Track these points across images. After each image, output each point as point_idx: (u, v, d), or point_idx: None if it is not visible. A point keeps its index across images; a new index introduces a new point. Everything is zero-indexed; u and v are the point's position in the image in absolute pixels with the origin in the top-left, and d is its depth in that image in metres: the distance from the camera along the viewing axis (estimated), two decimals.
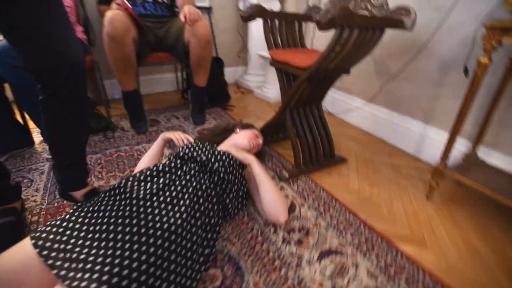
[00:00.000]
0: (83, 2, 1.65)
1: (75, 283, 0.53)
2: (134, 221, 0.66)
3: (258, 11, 1.26)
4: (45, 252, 0.59)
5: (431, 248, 0.87)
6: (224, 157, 0.92)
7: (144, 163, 1.10)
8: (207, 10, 2.06)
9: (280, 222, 0.90)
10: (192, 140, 1.03)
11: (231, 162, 0.93)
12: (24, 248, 0.61)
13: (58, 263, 0.57)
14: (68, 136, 0.86)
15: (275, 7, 2.19)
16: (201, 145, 0.98)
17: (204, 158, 0.90)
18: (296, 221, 0.95)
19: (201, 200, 0.78)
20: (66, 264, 0.57)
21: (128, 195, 0.74)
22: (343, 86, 1.84)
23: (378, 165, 1.33)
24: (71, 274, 0.55)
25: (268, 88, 2.15)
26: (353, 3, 1.19)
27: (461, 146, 1.22)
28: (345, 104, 1.81)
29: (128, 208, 0.69)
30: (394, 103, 1.52)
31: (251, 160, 0.96)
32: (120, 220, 0.66)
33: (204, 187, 0.81)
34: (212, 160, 0.89)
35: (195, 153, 0.92)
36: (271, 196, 0.90)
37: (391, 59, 1.49)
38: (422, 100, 1.37)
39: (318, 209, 1.00)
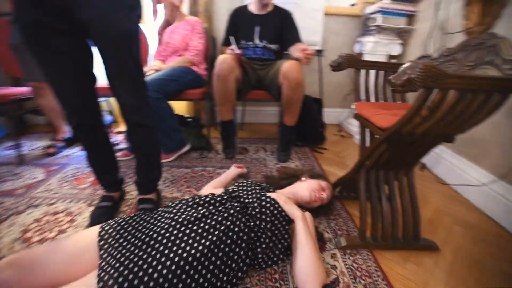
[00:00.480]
0: (215, 44, 2.06)
1: (102, 274, 0.66)
2: (164, 240, 0.75)
3: (349, 61, 1.19)
4: (101, 243, 0.76)
5: None
6: (268, 205, 0.90)
7: (210, 186, 1.23)
8: (318, 52, 2.11)
9: None
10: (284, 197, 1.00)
11: (275, 212, 0.90)
12: (93, 233, 0.79)
13: (104, 255, 0.72)
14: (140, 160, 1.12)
15: (395, 51, 2.00)
16: (252, 187, 1.00)
17: (247, 200, 0.91)
18: None
19: (229, 241, 0.79)
20: (107, 258, 0.70)
21: (172, 215, 0.84)
22: (467, 151, 1.44)
23: (490, 270, 0.94)
24: (105, 267, 0.68)
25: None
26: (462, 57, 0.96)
27: None
28: (465, 175, 1.40)
29: (167, 227, 0.79)
30: None
31: (297, 216, 0.90)
32: (156, 237, 0.76)
33: (237, 229, 0.82)
34: (254, 205, 0.90)
35: (241, 193, 0.95)
36: (305, 263, 0.81)
37: None
38: None
39: None
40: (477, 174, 1.34)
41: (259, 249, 0.86)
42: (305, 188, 1.09)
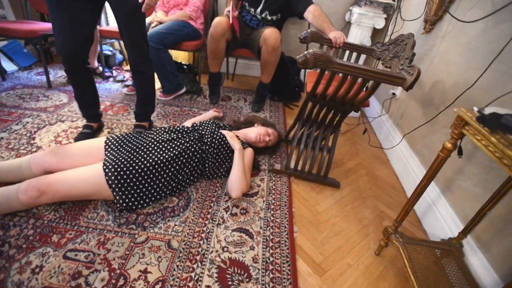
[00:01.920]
0: (216, 3, 2.27)
1: (106, 162, 1.10)
2: (145, 149, 1.17)
3: (312, 37, 1.46)
4: (106, 147, 1.20)
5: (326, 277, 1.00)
6: (217, 137, 1.31)
7: (189, 122, 1.63)
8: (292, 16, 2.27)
9: (232, 196, 1.23)
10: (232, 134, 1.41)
11: (222, 142, 1.31)
12: (101, 140, 1.23)
13: (107, 154, 1.16)
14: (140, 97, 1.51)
15: (379, 24, 2.16)
16: (212, 125, 1.39)
17: (203, 132, 1.32)
18: (246, 203, 1.25)
19: (185, 156, 1.21)
20: (109, 155, 1.15)
21: (153, 135, 1.26)
22: (401, 123, 1.74)
23: (365, 206, 1.36)
24: (108, 159, 1.12)
25: None
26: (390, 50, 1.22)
27: (453, 226, 1.10)
28: (392, 139, 1.74)
29: (148, 142, 1.21)
30: (424, 152, 1.40)
31: (235, 148, 1.30)
32: (141, 147, 1.18)
33: (192, 149, 1.24)
34: (207, 136, 1.30)
35: (201, 128, 1.35)
36: (233, 177, 1.24)
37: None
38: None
39: (269, 205, 1.25)
40: (398, 137, 1.68)
41: (206, 165, 1.29)
42: (254, 131, 1.48)
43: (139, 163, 1.11)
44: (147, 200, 1.14)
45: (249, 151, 1.39)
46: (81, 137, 1.45)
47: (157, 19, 1.94)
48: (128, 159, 1.11)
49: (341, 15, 2.44)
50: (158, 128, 1.32)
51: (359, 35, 2.20)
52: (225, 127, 1.48)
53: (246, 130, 1.52)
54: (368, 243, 1.16)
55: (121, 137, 1.25)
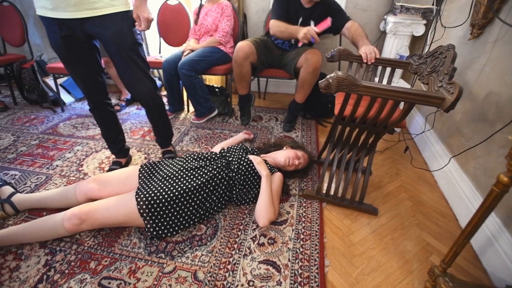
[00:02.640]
0: (246, 20, 2.33)
1: (139, 192, 1.15)
2: (174, 178, 1.21)
3: (340, 54, 1.41)
4: (140, 175, 1.27)
5: None
6: (244, 163, 1.30)
7: (219, 146, 1.66)
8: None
9: (259, 225, 1.20)
10: (260, 159, 1.37)
11: (249, 169, 1.30)
12: (136, 168, 1.31)
13: (141, 182, 1.23)
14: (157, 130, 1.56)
15: (418, 31, 2.00)
16: (240, 151, 1.39)
17: (230, 159, 1.32)
18: (274, 232, 1.20)
19: (213, 183, 1.23)
20: (143, 184, 1.21)
21: (181, 163, 1.30)
22: (449, 141, 1.55)
23: (408, 237, 1.21)
24: (141, 189, 1.18)
25: None
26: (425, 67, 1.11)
27: None
28: (440, 158, 1.55)
29: (177, 170, 1.24)
30: (479, 174, 1.21)
31: (262, 174, 1.28)
32: (171, 175, 1.22)
33: (220, 176, 1.25)
34: (234, 162, 1.30)
35: (228, 154, 1.36)
36: (260, 205, 1.21)
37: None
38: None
39: (299, 235, 1.19)
40: (447, 159, 1.49)
41: (234, 192, 1.29)
42: (282, 155, 1.45)
43: (169, 192, 1.14)
44: (176, 228, 1.16)
45: (278, 176, 1.36)
46: None
47: (189, 47, 2.04)
48: (159, 188, 1.16)
49: (375, 25, 2.32)
50: (187, 155, 1.36)
51: (395, 45, 2.06)
52: (253, 152, 1.47)
53: (274, 154, 1.49)
54: (412, 282, 1.03)
55: (153, 164, 1.32)
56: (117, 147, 1.56)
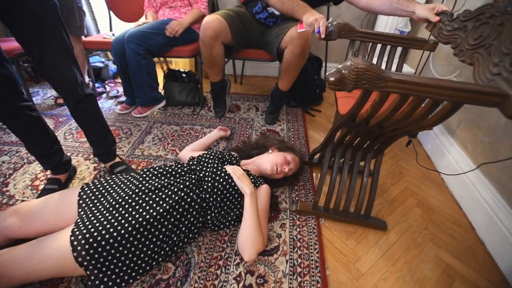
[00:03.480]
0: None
1: (75, 230, 0.82)
2: (127, 205, 0.88)
3: (341, 30, 1.09)
4: (80, 202, 0.93)
5: None
6: (221, 180, 1.00)
7: (189, 150, 1.34)
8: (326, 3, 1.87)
9: (245, 259, 0.93)
10: (241, 170, 1.06)
11: (227, 186, 1.00)
12: (75, 192, 0.96)
13: (81, 213, 0.89)
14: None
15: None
16: (212, 160, 1.08)
17: (202, 174, 1.01)
18: (263, 266, 0.94)
19: (180, 209, 0.92)
20: (83, 216, 0.87)
21: (138, 182, 0.97)
22: (459, 134, 1.34)
23: (423, 258, 1.01)
24: (80, 224, 0.84)
25: None
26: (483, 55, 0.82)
27: None
28: (455, 163, 1.33)
29: (130, 193, 0.91)
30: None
31: (245, 192, 0.99)
32: (121, 201, 0.89)
33: (189, 199, 0.94)
34: (208, 179, 0.99)
35: (198, 167, 1.04)
36: (244, 234, 0.93)
37: None
38: None
39: (295, 268, 0.94)
40: (462, 162, 1.28)
41: (208, 217, 0.99)
42: (268, 161, 1.16)
43: (119, 228, 0.82)
44: (134, 274, 0.86)
45: (264, 190, 1.07)
46: (44, 195, 1.07)
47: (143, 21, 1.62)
48: (105, 221, 0.83)
49: None
50: (145, 170, 1.03)
51: (393, 18, 1.77)
52: (231, 158, 1.16)
53: (259, 159, 1.20)
54: None
55: (98, 186, 0.98)
56: (53, 162, 1.17)
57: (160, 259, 0.91)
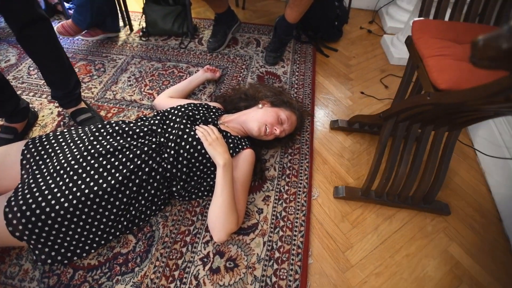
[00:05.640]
0: None
1: (12, 198, 0.69)
2: (71, 172, 0.72)
3: None
4: (24, 162, 0.77)
5: None
6: (187, 146, 0.79)
7: (166, 95, 1.11)
8: None
9: (214, 239, 0.79)
10: (215, 133, 0.84)
11: (195, 154, 0.80)
12: (19, 149, 0.80)
13: (24, 176, 0.74)
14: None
15: None
16: (181, 117, 0.85)
17: (163, 139, 0.80)
18: (236, 247, 0.81)
19: (137, 180, 0.75)
20: (25, 181, 0.72)
21: (87, 143, 0.78)
22: None
23: (429, 251, 0.84)
24: (18, 191, 0.70)
25: (401, 42, 1.43)
26: None
27: None
28: (501, 141, 1.03)
29: (78, 157, 0.74)
30: None
31: (218, 164, 0.79)
32: (66, 167, 0.72)
33: (147, 169, 0.77)
34: (171, 144, 0.79)
35: (159, 129, 0.83)
36: (216, 212, 0.77)
37: None
38: None
39: (273, 252, 0.80)
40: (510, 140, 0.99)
41: (174, 188, 0.83)
42: (256, 119, 0.92)
43: (62, 200, 0.68)
44: (86, 247, 0.76)
45: (245, 156, 0.87)
46: None
47: None
48: (46, 192, 0.69)
49: None
50: (99, 127, 0.83)
51: None
52: (208, 113, 0.93)
53: (244, 116, 0.95)
54: None
55: (45, 142, 0.81)
56: (7, 111, 0.99)
57: (118, 232, 0.79)
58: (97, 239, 0.76)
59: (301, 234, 0.84)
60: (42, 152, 0.79)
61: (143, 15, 1.49)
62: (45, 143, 0.81)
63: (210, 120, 0.91)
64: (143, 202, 0.79)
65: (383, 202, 0.91)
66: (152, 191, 0.79)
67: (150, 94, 1.23)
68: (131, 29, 1.57)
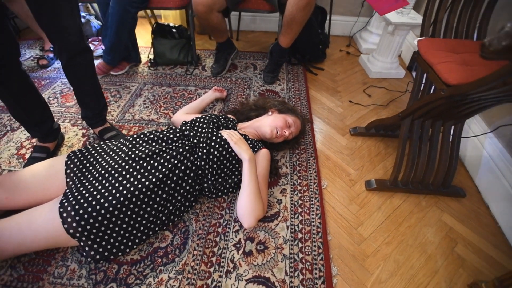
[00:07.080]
0: None
1: (64, 201, 0.77)
2: (116, 174, 0.83)
3: None
4: (68, 171, 0.87)
5: None
6: (217, 145, 0.93)
7: (183, 112, 1.25)
8: None
9: (245, 226, 0.91)
10: (238, 134, 0.99)
11: (223, 152, 0.93)
12: (61, 161, 0.90)
13: (70, 183, 0.84)
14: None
15: None
16: (207, 124, 1.00)
17: (196, 139, 0.94)
18: (263, 232, 0.92)
19: (174, 178, 0.87)
20: (72, 186, 0.82)
21: (127, 150, 0.90)
22: None
23: (427, 221, 0.99)
24: (68, 194, 0.79)
25: (376, 59, 1.70)
26: None
27: None
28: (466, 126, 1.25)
29: (120, 162, 0.85)
30: None
31: (243, 158, 0.93)
32: (111, 170, 0.83)
33: (183, 167, 0.88)
34: (203, 145, 0.92)
35: (191, 133, 0.97)
36: (243, 201, 0.89)
37: None
38: None
39: (296, 233, 0.92)
40: (473, 122, 1.20)
41: (205, 185, 0.94)
42: (268, 124, 1.08)
43: (110, 198, 0.78)
44: (130, 243, 0.84)
45: (264, 154, 1.01)
46: (31, 164, 0.96)
47: None
48: (95, 192, 0.79)
49: None
50: (135, 137, 0.96)
51: None
52: (227, 122, 1.08)
53: (257, 122, 1.12)
54: (439, 285, 0.82)
55: (86, 153, 0.91)
56: (43, 130, 1.09)
57: (157, 228, 0.88)
58: (139, 234, 0.84)
59: (318, 217, 0.97)
60: (85, 162, 0.89)
61: (152, 48, 1.68)
62: (86, 154, 0.92)
63: (230, 126, 1.06)
64: (179, 198, 0.89)
65: (408, 189, 1.06)
66: (187, 187, 0.90)
67: (165, 113, 1.37)
68: (140, 61, 1.74)
